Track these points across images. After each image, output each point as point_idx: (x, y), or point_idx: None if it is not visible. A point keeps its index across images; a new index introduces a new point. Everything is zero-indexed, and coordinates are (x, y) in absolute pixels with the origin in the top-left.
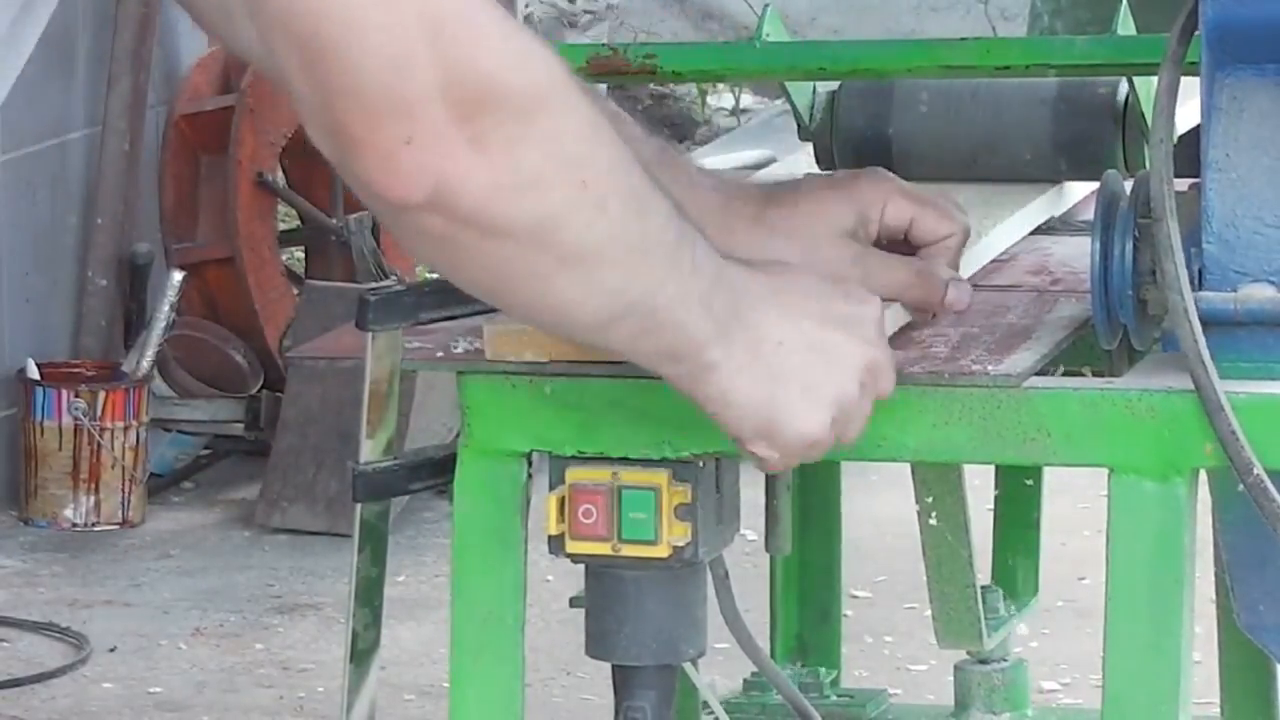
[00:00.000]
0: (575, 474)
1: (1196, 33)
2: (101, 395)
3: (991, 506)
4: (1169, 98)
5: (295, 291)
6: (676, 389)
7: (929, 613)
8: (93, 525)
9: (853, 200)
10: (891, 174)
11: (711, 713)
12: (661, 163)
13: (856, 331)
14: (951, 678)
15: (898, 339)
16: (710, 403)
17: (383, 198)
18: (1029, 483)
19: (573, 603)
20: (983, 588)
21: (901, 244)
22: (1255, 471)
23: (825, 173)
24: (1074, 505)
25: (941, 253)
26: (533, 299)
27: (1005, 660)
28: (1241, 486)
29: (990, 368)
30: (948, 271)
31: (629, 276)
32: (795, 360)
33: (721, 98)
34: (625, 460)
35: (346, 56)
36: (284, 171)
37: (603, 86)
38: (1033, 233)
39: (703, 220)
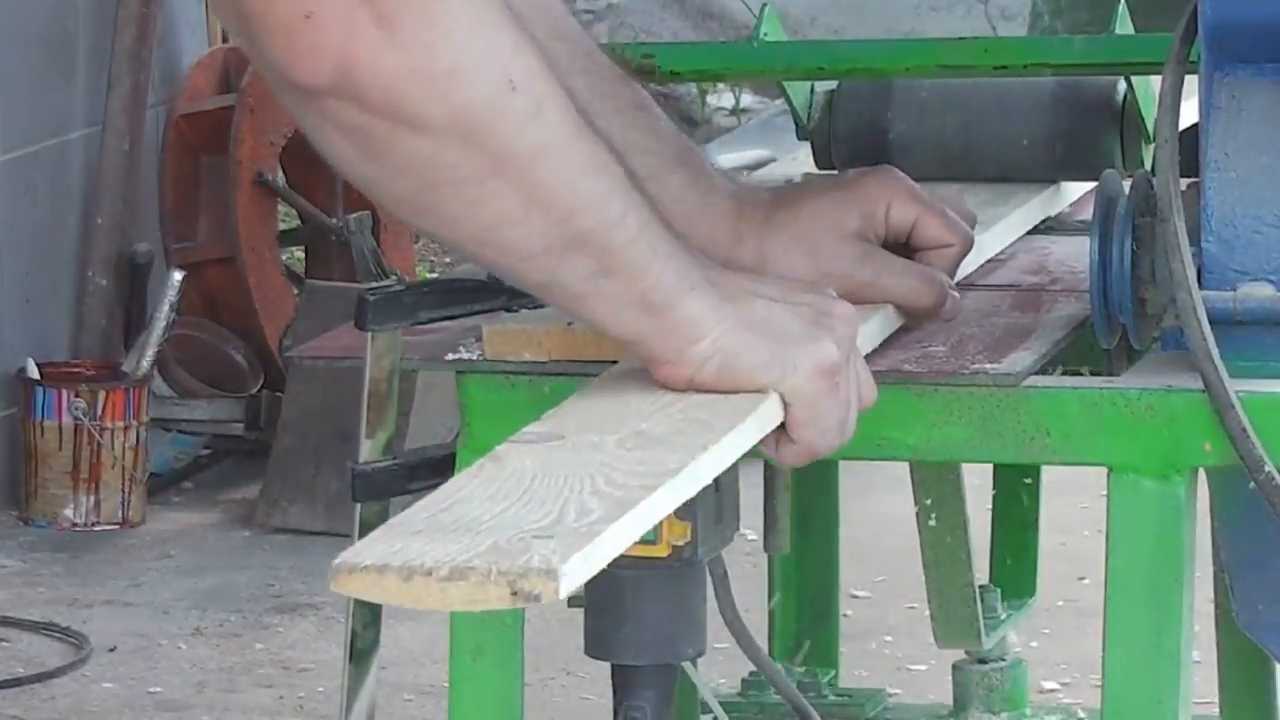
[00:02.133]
0: None
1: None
2: (101, 395)
3: (990, 506)
4: (1173, 97)
5: (295, 291)
6: (653, 360)
7: (928, 613)
8: (93, 525)
9: (858, 200)
10: (901, 174)
11: (711, 712)
12: (683, 164)
13: (826, 322)
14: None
15: (892, 340)
16: (707, 365)
17: (287, 79)
18: (1028, 482)
19: (572, 602)
20: (981, 587)
21: (900, 246)
22: (1266, 469)
23: (833, 173)
24: (1073, 505)
25: (939, 259)
26: (463, 211)
27: (1004, 660)
28: (1252, 484)
29: (989, 367)
30: (946, 279)
31: (577, 198)
32: (782, 318)
33: (721, 97)
34: None
35: None
36: (284, 171)
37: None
38: (1031, 232)
39: (715, 226)
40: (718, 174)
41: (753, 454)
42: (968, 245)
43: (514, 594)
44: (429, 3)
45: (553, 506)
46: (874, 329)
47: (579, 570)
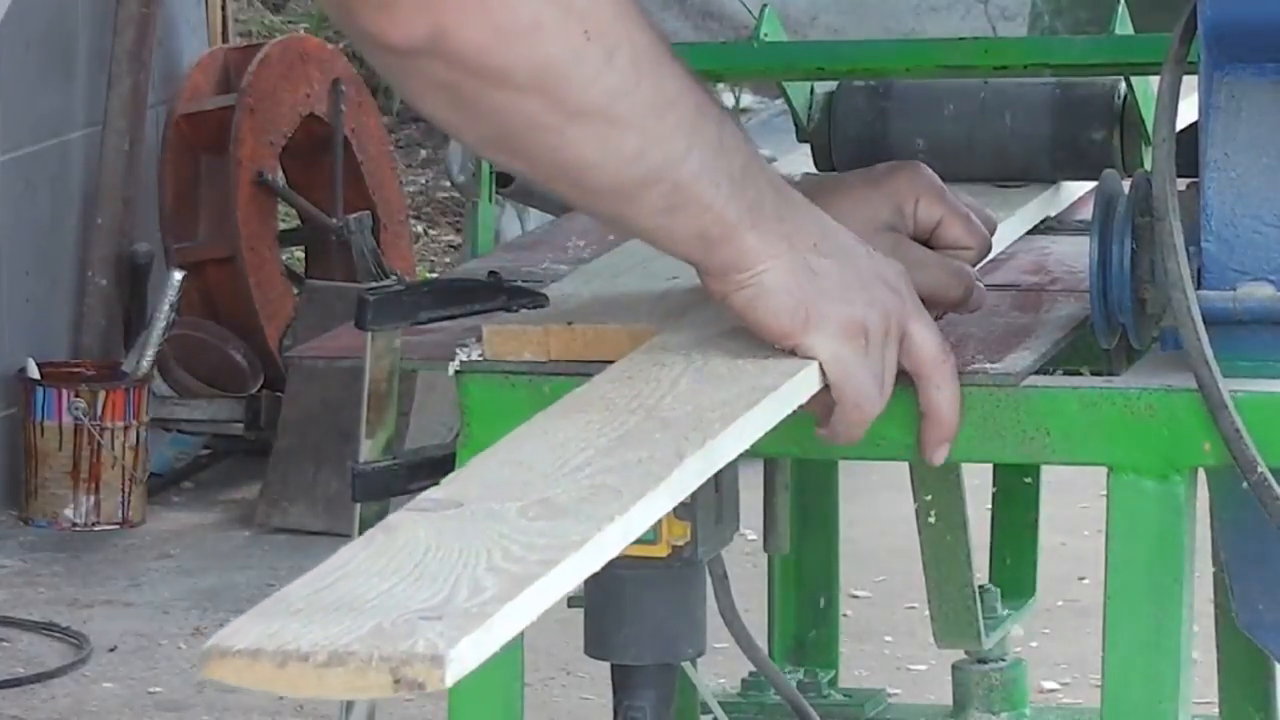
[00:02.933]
0: None
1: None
2: (101, 395)
3: (990, 506)
4: (1171, 97)
5: (295, 291)
6: (704, 271)
7: (928, 613)
8: (93, 525)
9: (889, 194)
10: (930, 171)
11: (711, 712)
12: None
13: (886, 274)
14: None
15: None
16: (741, 292)
17: (382, 43)
18: (1028, 481)
19: (571, 602)
20: (981, 587)
21: (923, 244)
22: (1259, 469)
23: (864, 169)
24: (1073, 505)
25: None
26: (546, 155)
27: (1004, 660)
28: (1245, 485)
29: (989, 367)
30: (972, 272)
31: (646, 138)
32: (831, 263)
33: (721, 97)
34: None
35: None
36: (284, 171)
37: None
38: (1031, 232)
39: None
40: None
41: (748, 454)
42: (985, 250)
43: (396, 682)
44: None
45: (444, 584)
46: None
47: (469, 656)
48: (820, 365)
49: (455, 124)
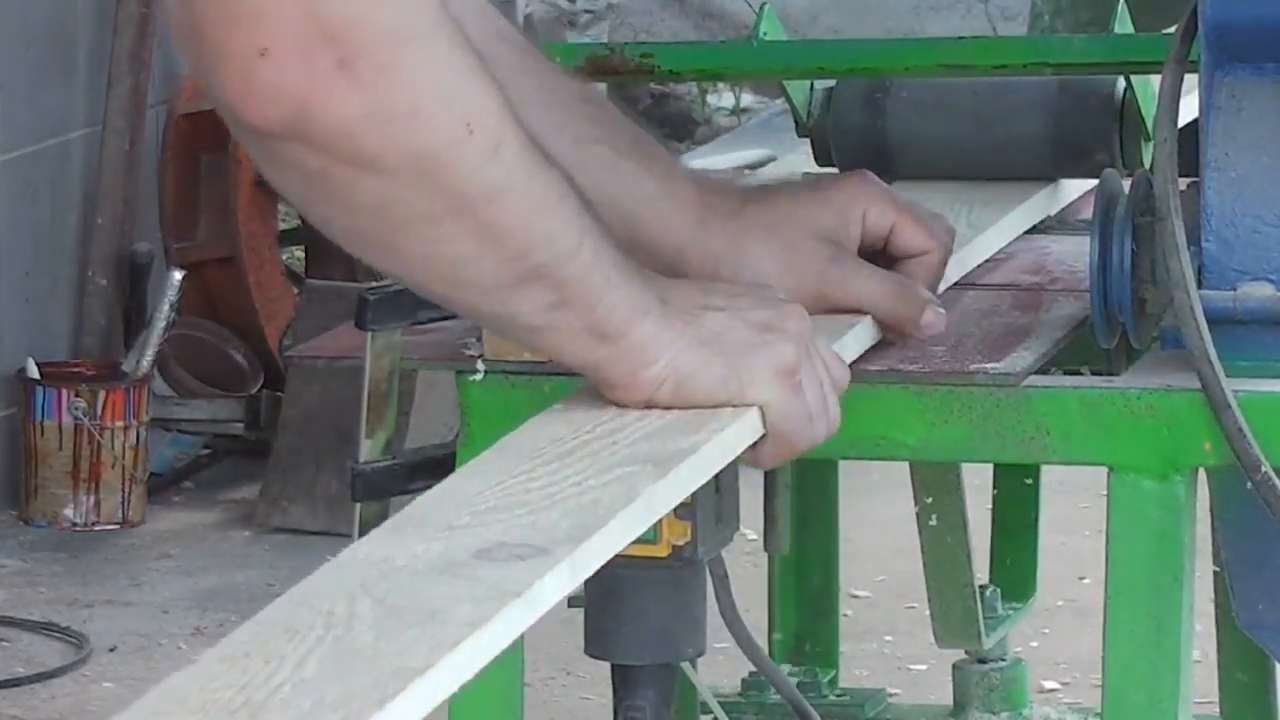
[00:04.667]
0: None
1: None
2: (101, 395)
3: (990, 506)
4: (1172, 97)
5: (295, 291)
6: (608, 384)
7: (928, 612)
8: (93, 525)
9: (833, 202)
10: (878, 180)
11: (711, 712)
12: (637, 151)
13: (777, 323)
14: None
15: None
16: (663, 388)
17: (242, 120)
18: (1028, 482)
19: (572, 602)
20: (981, 587)
21: (878, 255)
22: (1263, 469)
23: (809, 174)
24: (1074, 505)
25: (918, 269)
26: (421, 250)
27: (1004, 660)
28: (1249, 484)
29: (989, 367)
30: (926, 292)
31: (532, 234)
32: (724, 316)
33: (721, 97)
34: None
35: None
36: None
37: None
38: (1030, 231)
39: (680, 209)
40: (675, 162)
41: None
42: (946, 253)
43: None
44: (392, 46)
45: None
46: (850, 342)
47: None
48: (760, 411)
49: (325, 215)
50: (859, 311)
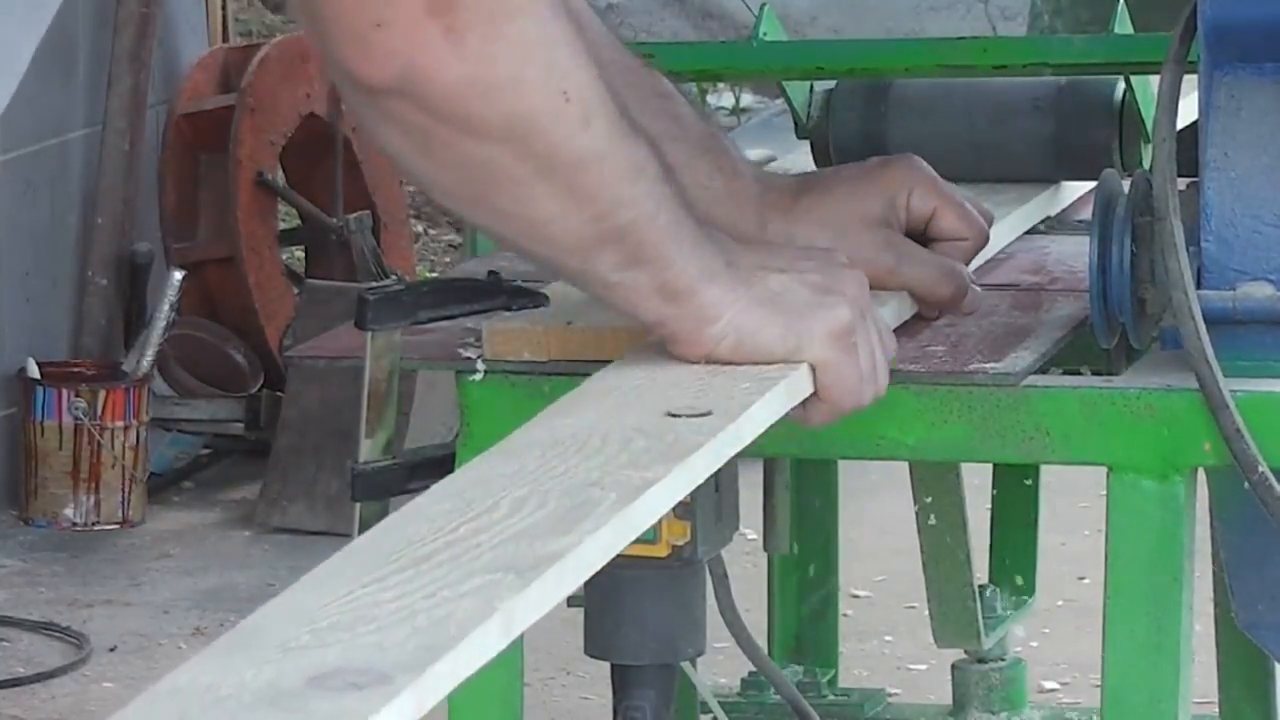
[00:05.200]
0: None
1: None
2: (101, 395)
3: (990, 506)
4: (1171, 97)
5: (295, 291)
6: (673, 339)
7: (928, 612)
8: (93, 525)
9: (883, 187)
10: (924, 163)
11: (711, 712)
12: (708, 148)
13: (836, 285)
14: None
15: (899, 333)
16: (723, 344)
17: (352, 78)
18: (1027, 482)
19: (571, 602)
20: (980, 587)
21: (918, 237)
22: (1260, 469)
23: (858, 163)
24: (1073, 505)
25: (955, 252)
26: (511, 208)
27: (1003, 660)
28: (1246, 485)
29: (989, 367)
30: (968, 274)
31: (616, 199)
32: (785, 278)
33: (721, 97)
34: None
35: None
36: (284, 171)
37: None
38: (1030, 232)
39: (742, 210)
40: (742, 159)
41: (748, 454)
42: (982, 240)
43: None
44: (497, 17)
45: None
46: (888, 315)
47: None
48: (812, 369)
49: (421, 170)
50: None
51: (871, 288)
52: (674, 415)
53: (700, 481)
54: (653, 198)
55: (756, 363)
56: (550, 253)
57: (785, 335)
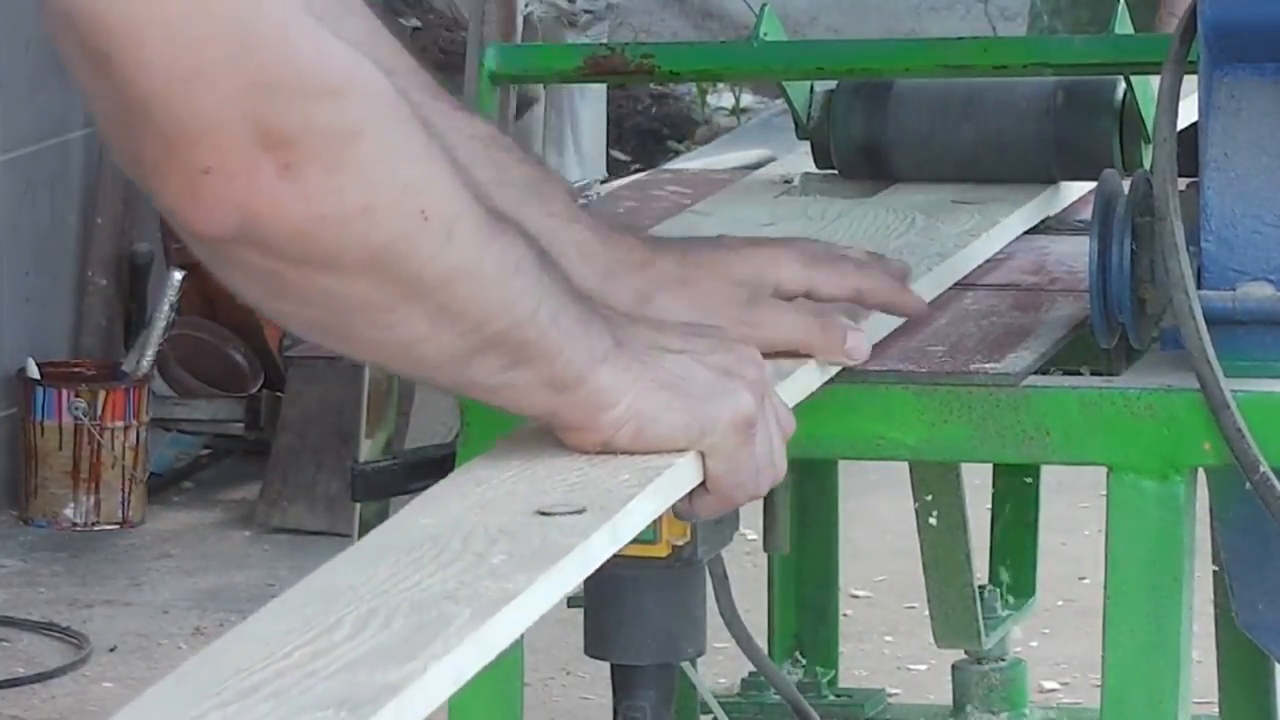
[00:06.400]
0: None
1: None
2: (101, 395)
3: (990, 506)
4: (1171, 97)
5: None
6: (565, 427)
7: (928, 613)
8: (93, 525)
9: (744, 258)
10: (801, 241)
11: (711, 712)
12: (536, 191)
13: (736, 368)
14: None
15: (891, 340)
16: (622, 430)
17: (188, 229)
18: (1028, 482)
19: (571, 602)
20: (980, 587)
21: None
22: (1261, 469)
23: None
24: (1073, 505)
25: (869, 303)
26: (378, 336)
27: (1003, 660)
28: (1248, 485)
29: (989, 367)
30: (844, 320)
31: (489, 309)
32: (683, 360)
33: (721, 97)
34: None
35: (132, 65)
36: None
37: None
38: (1030, 232)
39: (583, 265)
40: (575, 206)
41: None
42: (886, 287)
43: None
44: (339, 145)
45: None
46: (795, 388)
47: None
48: (702, 458)
49: (277, 310)
50: (790, 354)
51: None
52: (545, 513)
53: (571, 589)
54: (530, 294)
55: (657, 451)
56: (424, 372)
57: (689, 423)
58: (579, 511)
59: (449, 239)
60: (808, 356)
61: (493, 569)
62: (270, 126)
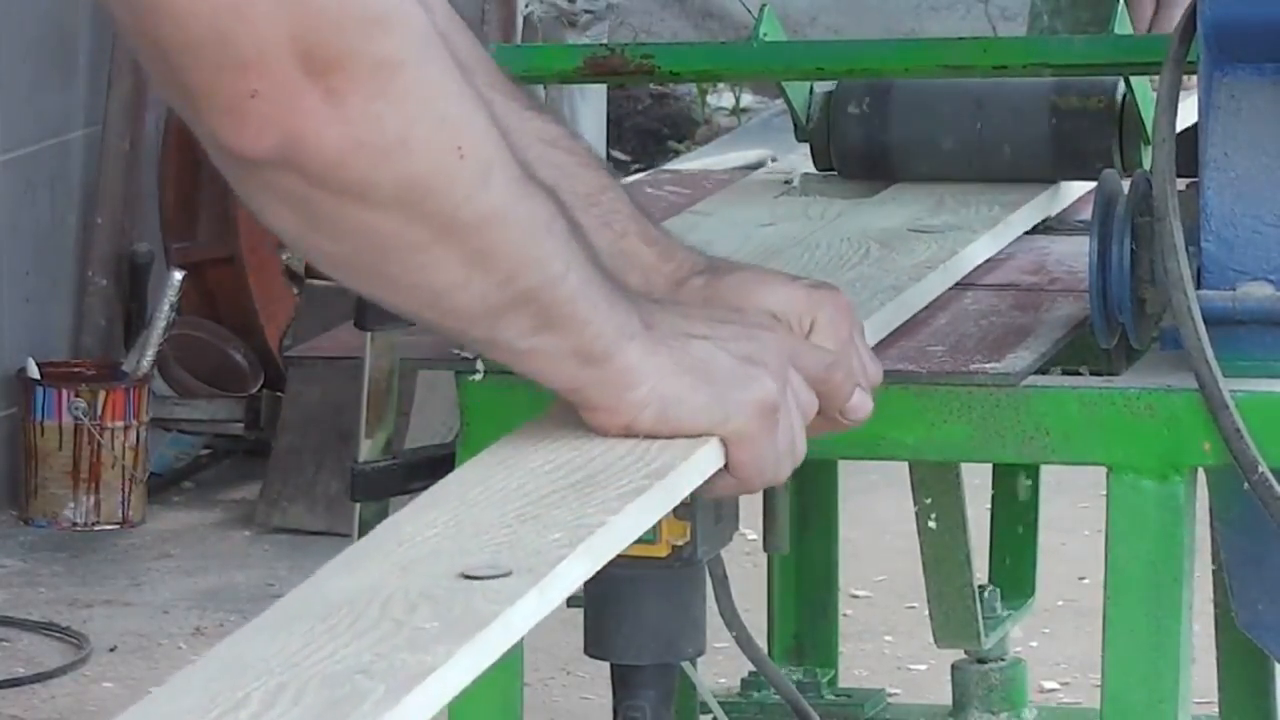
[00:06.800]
0: None
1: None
2: (101, 395)
3: (990, 506)
4: (1171, 97)
5: (295, 291)
6: (590, 407)
7: (928, 613)
8: (93, 525)
9: (777, 290)
10: (830, 286)
11: (711, 712)
12: (595, 201)
13: (759, 354)
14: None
15: (891, 340)
16: (646, 412)
17: (228, 150)
18: (1028, 482)
19: (571, 602)
20: (980, 587)
21: None
22: (1260, 469)
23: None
24: (1073, 505)
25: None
26: (409, 277)
27: (1003, 660)
28: (1246, 485)
29: (988, 367)
30: (855, 375)
31: (522, 260)
32: (710, 346)
33: (721, 97)
34: None
35: (174, 4)
36: None
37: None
38: (1030, 232)
39: (624, 275)
40: (637, 218)
41: None
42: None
43: None
44: (380, 75)
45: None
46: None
47: None
48: (724, 443)
49: (309, 243)
50: None
51: None
52: (469, 577)
53: (496, 658)
54: (561, 255)
55: (679, 434)
56: (454, 323)
57: (711, 406)
58: (504, 575)
59: (484, 182)
60: None
61: (411, 638)
62: (316, 52)
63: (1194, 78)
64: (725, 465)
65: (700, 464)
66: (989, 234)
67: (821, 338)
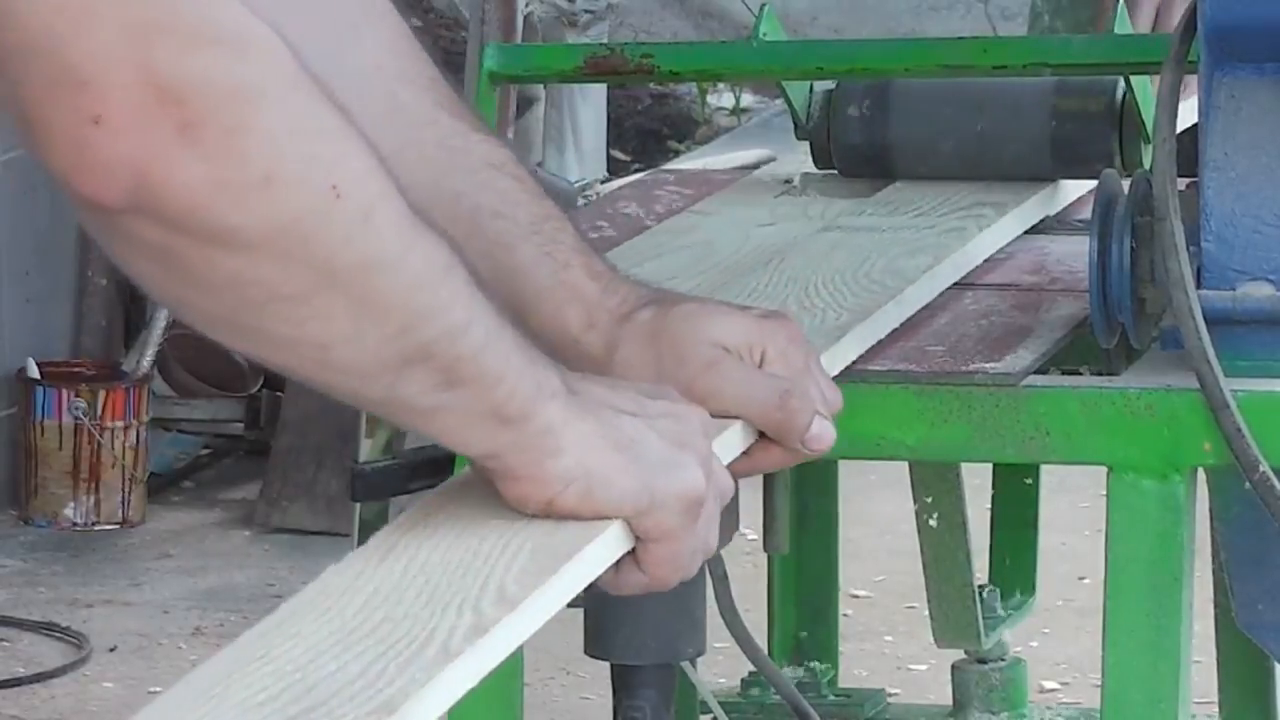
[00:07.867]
0: None
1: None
2: (101, 395)
3: (990, 506)
4: (1171, 97)
5: None
6: (510, 476)
7: (928, 612)
8: (93, 525)
9: (724, 321)
10: (781, 315)
11: (711, 712)
12: (538, 231)
13: (688, 440)
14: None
15: (891, 340)
16: (571, 489)
17: (77, 194)
18: (1027, 482)
19: (571, 602)
20: (980, 587)
21: None
22: (1261, 469)
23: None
24: (1073, 505)
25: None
26: (290, 331)
27: (1003, 660)
28: (1247, 484)
29: (988, 367)
30: (814, 401)
31: (416, 310)
32: (638, 424)
33: (721, 97)
34: None
35: (8, 5)
36: None
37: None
38: (1030, 231)
39: (568, 307)
40: (581, 248)
41: None
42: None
43: None
44: (238, 104)
45: None
46: (725, 448)
47: None
48: (639, 536)
49: (178, 297)
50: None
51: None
52: None
53: None
54: (462, 304)
55: (602, 517)
56: (346, 381)
57: (639, 492)
58: None
59: (366, 222)
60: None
61: None
62: (163, 76)
63: (1194, 78)
64: (635, 559)
65: (598, 557)
66: (988, 234)
67: (775, 368)
